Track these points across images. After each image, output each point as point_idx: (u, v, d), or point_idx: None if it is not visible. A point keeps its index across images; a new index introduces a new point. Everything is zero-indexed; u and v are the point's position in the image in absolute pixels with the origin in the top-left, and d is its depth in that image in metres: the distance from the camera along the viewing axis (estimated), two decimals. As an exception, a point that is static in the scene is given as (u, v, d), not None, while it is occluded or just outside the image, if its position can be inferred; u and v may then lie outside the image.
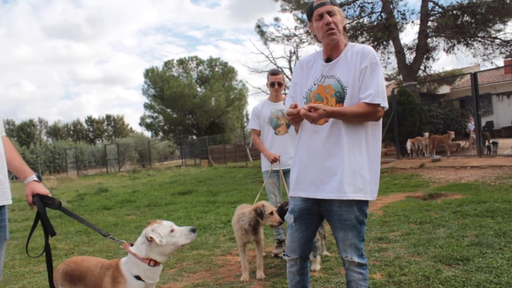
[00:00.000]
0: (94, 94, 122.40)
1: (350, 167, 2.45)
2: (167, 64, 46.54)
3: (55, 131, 69.30)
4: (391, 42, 20.68)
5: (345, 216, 2.49)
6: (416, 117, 16.42)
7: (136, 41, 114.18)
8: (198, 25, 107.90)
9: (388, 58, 21.98)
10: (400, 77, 21.32)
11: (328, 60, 2.62)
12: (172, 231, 2.53)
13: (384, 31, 19.97)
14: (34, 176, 2.50)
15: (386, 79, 23.62)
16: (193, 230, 2.58)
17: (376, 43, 21.42)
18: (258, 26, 22.48)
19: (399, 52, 19.94)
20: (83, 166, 39.64)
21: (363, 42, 21.76)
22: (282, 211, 4.14)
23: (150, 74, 45.42)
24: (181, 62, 46.73)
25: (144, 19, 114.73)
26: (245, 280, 4.16)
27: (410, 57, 20.93)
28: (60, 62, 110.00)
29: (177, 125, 45.46)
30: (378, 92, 2.41)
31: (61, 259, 5.67)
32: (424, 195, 8.18)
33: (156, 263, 2.52)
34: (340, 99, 2.51)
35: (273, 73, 5.11)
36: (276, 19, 22.27)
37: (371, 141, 2.53)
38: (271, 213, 4.13)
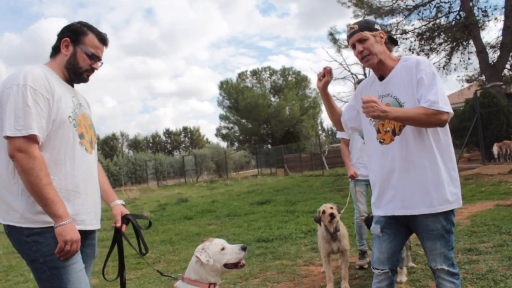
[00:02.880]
0: (170, 107, 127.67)
1: (427, 180, 2.46)
2: (241, 76, 47.50)
3: (135, 144, 72.99)
4: (471, 41, 19.71)
5: (432, 226, 2.48)
6: (502, 119, 15.48)
7: (209, 54, 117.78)
8: (269, 35, 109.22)
9: (469, 58, 20.94)
10: (483, 77, 20.22)
11: (381, 78, 2.66)
12: (222, 249, 2.60)
13: (463, 31, 19.08)
14: (121, 201, 2.70)
15: (467, 81, 22.50)
16: (243, 249, 2.62)
17: (454, 43, 20.52)
18: (331, 34, 22.46)
19: (481, 52, 18.92)
20: (163, 176, 41.37)
21: (440, 44, 20.97)
22: (368, 222, 4.12)
23: (225, 86, 46.59)
24: (254, 73, 47.49)
25: (216, 32, 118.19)
26: (330, 291, 4.17)
27: (493, 56, 19.79)
28: (137, 78, 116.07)
29: (252, 135, 46.14)
30: (438, 98, 2.38)
31: (148, 267, 5.99)
32: (516, 204, 7.69)
33: (215, 286, 2.59)
34: None
35: (358, 82, 5.16)
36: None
37: (442, 149, 2.51)
38: (323, 212, 4.28)
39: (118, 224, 2.60)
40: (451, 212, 2.51)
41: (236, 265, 2.65)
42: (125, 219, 2.63)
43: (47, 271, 2.13)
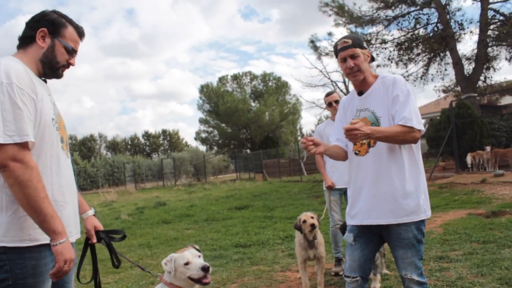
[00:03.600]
0: (149, 109, 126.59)
1: (396, 192, 2.58)
2: (221, 80, 47.52)
3: (113, 146, 72.14)
4: (448, 53, 20.19)
5: (404, 235, 2.60)
6: (476, 130, 15.88)
7: (190, 57, 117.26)
8: (250, 40, 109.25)
9: (445, 69, 21.47)
10: (459, 88, 20.71)
11: (360, 93, 2.80)
12: (187, 263, 2.61)
13: (440, 42, 19.53)
14: (93, 211, 2.55)
15: (444, 91, 23.02)
16: (204, 269, 2.58)
17: (432, 54, 20.99)
18: (312, 41, 22.65)
19: (457, 63, 19.40)
20: (141, 179, 41.04)
21: (418, 54, 21.42)
22: (343, 230, 4.23)
23: (205, 90, 46.53)
24: (235, 77, 47.58)
25: (197, 35, 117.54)
26: (306, 297, 4.26)
27: (468, 67, 20.33)
28: (116, 79, 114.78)
29: (231, 140, 46.17)
30: (411, 116, 2.52)
31: (126, 271, 6.00)
32: (487, 213, 7.92)
33: None
34: None
35: (327, 94, 5.32)
36: (330, 34, 22.26)
37: (412, 162, 2.64)
38: (304, 221, 4.34)
39: (94, 241, 2.49)
40: (422, 222, 2.63)
41: (199, 281, 2.63)
42: (98, 236, 2.51)
43: None
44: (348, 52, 2.66)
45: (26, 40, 2.14)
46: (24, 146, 1.89)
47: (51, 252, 1.95)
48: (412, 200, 2.58)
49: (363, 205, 2.69)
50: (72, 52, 2.21)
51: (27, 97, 1.93)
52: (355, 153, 2.76)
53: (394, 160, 2.60)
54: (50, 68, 2.17)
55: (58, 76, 2.24)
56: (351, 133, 2.41)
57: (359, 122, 2.43)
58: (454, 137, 15.05)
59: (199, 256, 2.69)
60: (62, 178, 2.13)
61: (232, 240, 7.48)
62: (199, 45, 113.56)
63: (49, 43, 2.14)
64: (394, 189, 2.59)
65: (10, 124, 1.85)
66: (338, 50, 2.73)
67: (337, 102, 5.14)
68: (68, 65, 2.23)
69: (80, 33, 2.27)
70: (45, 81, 2.23)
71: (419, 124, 2.53)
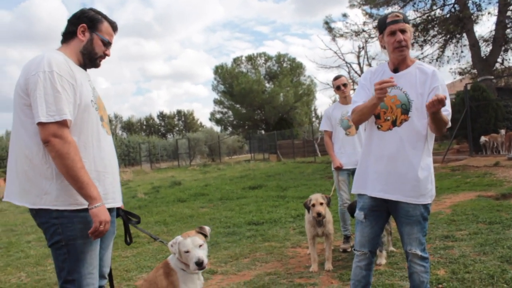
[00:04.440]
0: (164, 89, 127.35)
1: (414, 174, 2.74)
2: (236, 61, 47.52)
3: (129, 126, 73.01)
4: (464, 34, 19.94)
5: (412, 212, 2.78)
6: (491, 113, 15.81)
7: (204, 37, 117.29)
8: (265, 20, 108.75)
9: (462, 51, 21.25)
10: (475, 71, 20.51)
11: (395, 70, 2.85)
12: (187, 252, 2.75)
13: (457, 24, 19.30)
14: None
15: (460, 73, 22.79)
16: (198, 264, 2.68)
17: (448, 36, 20.76)
18: (326, 23, 22.56)
19: (474, 45, 19.17)
20: (156, 159, 41.58)
21: (434, 36, 21.19)
22: (352, 209, 4.44)
23: (220, 71, 46.63)
24: (250, 58, 47.52)
25: (211, 15, 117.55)
26: (314, 271, 4.50)
27: (486, 49, 20.08)
28: (131, 60, 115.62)
29: (246, 120, 46.38)
30: (450, 110, 2.66)
31: (144, 246, 6.30)
32: (497, 195, 8.04)
33: None
34: (405, 111, 2.76)
35: (336, 78, 5.44)
36: (344, 15, 22.15)
37: (428, 150, 2.80)
38: (313, 205, 4.52)
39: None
40: (430, 203, 2.83)
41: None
42: (117, 213, 2.76)
43: (66, 253, 2.27)
44: (399, 26, 2.70)
45: (68, 35, 2.48)
46: (63, 124, 2.20)
47: None
48: (424, 184, 2.76)
49: (376, 178, 2.83)
50: (108, 44, 2.55)
51: (66, 83, 2.24)
52: (377, 127, 2.86)
53: (413, 144, 2.73)
54: (89, 59, 2.51)
55: (96, 65, 2.57)
56: (434, 104, 2.42)
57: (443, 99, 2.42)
58: (468, 120, 15.03)
59: (200, 246, 2.77)
60: (103, 152, 2.45)
61: (246, 218, 7.73)
62: (214, 25, 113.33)
63: (88, 37, 2.47)
64: (410, 170, 2.74)
65: (51, 105, 2.18)
66: (388, 23, 2.75)
67: (345, 85, 5.30)
68: (104, 56, 2.57)
69: (114, 28, 2.61)
70: (85, 70, 2.55)
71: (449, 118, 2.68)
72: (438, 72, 2.77)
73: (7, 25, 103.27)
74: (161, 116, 76.60)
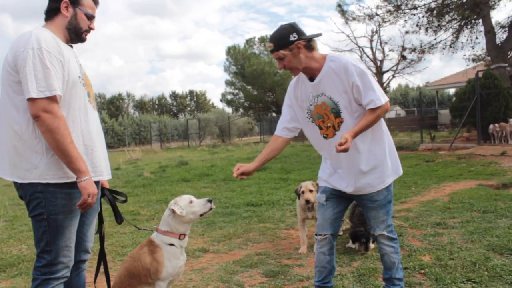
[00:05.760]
0: (177, 69, 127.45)
1: (366, 169, 2.79)
2: (249, 42, 47.21)
3: (141, 105, 73.36)
4: (480, 20, 19.56)
5: (375, 197, 2.85)
6: (501, 101, 15.60)
7: (219, 17, 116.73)
8: (281, 1, 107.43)
9: (476, 38, 20.82)
10: (489, 58, 20.15)
11: (311, 79, 2.83)
12: (190, 202, 2.97)
13: (473, 9, 18.91)
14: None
15: (474, 60, 22.40)
16: (209, 201, 3.01)
17: (463, 22, 20.38)
18: (339, 5, 22.21)
19: (489, 32, 18.78)
20: (166, 139, 41.89)
21: (449, 21, 20.79)
22: (355, 236, 4.61)
23: (232, 52, 46.41)
24: (262, 40, 47.13)
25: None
26: (302, 253, 4.59)
27: (502, 36, 19.66)
28: (145, 38, 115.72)
29: (257, 102, 46.26)
30: (378, 95, 2.63)
31: (142, 224, 6.43)
32: (497, 184, 8.03)
33: (185, 236, 2.98)
34: (337, 114, 2.76)
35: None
36: (358, -2, 21.83)
37: (378, 134, 2.81)
38: (303, 192, 4.64)
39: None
40: (391, 184, 2.87)
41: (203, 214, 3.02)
42: (102, 193, 2.82)
43: (46, 226, 2.35)
44: (274, 56, 2.74)
45: (51, 13, 2.51)
46: (52, 99, 2.26)
47: (79, 193, 2.34)
48: (379, 173, 2.80)
49: (342, 176, 2.88)
50: (91, 17, 2.60)
51: (55, 59, 2.30)
52: (324, 137, 2.87)
53: (359, 139, 2.72)
54: (75, 34, 2.54)
55: (83, 40, 2.61)
56: (344, 150, 2.51)
57: (347, 139, 2.51)
58: (478, 107, 14.87)
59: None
60: (91, 126, 2.53)
61: (245, 199, 7.84)
62: (229, 5, 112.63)
63: (72, 12, 2.50)
64: (362, 166, 2.78)
65: (41, 81, 2.24)
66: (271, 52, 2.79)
67: None
68: (89, 29, 2.61)
69: (95, 1, 2.64)
70: (71, 46, 2.60)
71: (385, 97, 2.66)
72: (349, 63, 2.66)
73: (23, 1, 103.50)
74: (174, 95, 76.79)
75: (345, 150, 2.51)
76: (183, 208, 2.93)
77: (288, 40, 2.68)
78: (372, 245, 4.56)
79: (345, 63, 2.67)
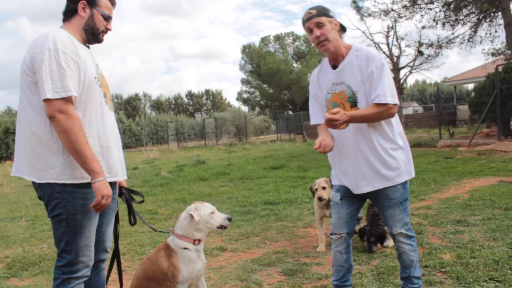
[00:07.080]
0: (192, 68, 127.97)
1: (381, 162, 2.74)
2: (264, 40, 47.19)
3: (157, 105, 73.97)
4: (499, 13, 19.18)
5: (392, 195, 2.79)
6: (522, 96, 15.28)
7: (234, 16, 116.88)
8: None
9: (496, 31, 20.41)
10: (509, 52, 19.75)
11: (334, 66, 2.81)
12: (212, 213, 2.94)
13: (492, 2, 18.56)
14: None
15: (493, 54, 21.98)
16: (229, 219, 2.98)
17: (482, 15, 20.02)
18: (354, 2, 22.02)
19: (509, 24, 18.38)
20: (183, 138, 42.13)
21: (467, 15, 20.45)
22: (362, 234, 4.57)
23: (247, 50, 46.44)
24: (278, 38, 47.09)
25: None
26: (321, 251, 4.56)
27: (522, 29, 19.25)
28: (160, 38, 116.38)
29: (273, 101, 46.22)
30: (385, 92, 2.59)
31: (160, 223, 6.48)
32: (519, 181, 7.87)
33: (199, 242, 2.95)
34: (354, 104, 2.73)
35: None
36: (373, -7, 21.57)
37: (391, 130, 2.76)
38: (316, 190, 4.66)
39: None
40: (406, 181, 2.82)
41: (220, 227, 2.99)
42: (120, 191, 2.85)
43: (66, 226, 2.39)
44: (314, 21, 2.69)
45: (69, 14, 2.54)
46: (68, 100, 2.29)
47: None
48: (394, 168, 2.75)
49: (350, 175, 2.84)
50: (108, 18, 2.61)
51: (71, 60, 2.32)
52: None
53: (374, 132, 2.71)
54: (92, 35, 2.57)
55: (99, 40, 2.63)
56: (331, 123, 2.51)
57: (339, 111, 2.51)
58: (497, 102, 14.60)
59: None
60: (107, 127, 2.54)
61: (262, 198, 7.83)
62: (244, 4, 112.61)
63: (89, 13, 2.52)
64: (376, 160, 2.74)
65: (57, 82, 2.26)
66: (303, 22, 2.76)
67: None
68: (106, 30, 2.63)
69: (113, 2, 2.65)
70: (88, 47, 2.63)
71: (394, 98, 2.61)
72: (374, 53, 2.68)
73: (40, 4, 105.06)
74: (190, 95, 77.23)
75: (332, 120, 2.49)
76: (201, 216, 2.92)
77: (329, 12, 2.74)
78: (391, 243, 4.51)
79: (369, 52, 2.70)
